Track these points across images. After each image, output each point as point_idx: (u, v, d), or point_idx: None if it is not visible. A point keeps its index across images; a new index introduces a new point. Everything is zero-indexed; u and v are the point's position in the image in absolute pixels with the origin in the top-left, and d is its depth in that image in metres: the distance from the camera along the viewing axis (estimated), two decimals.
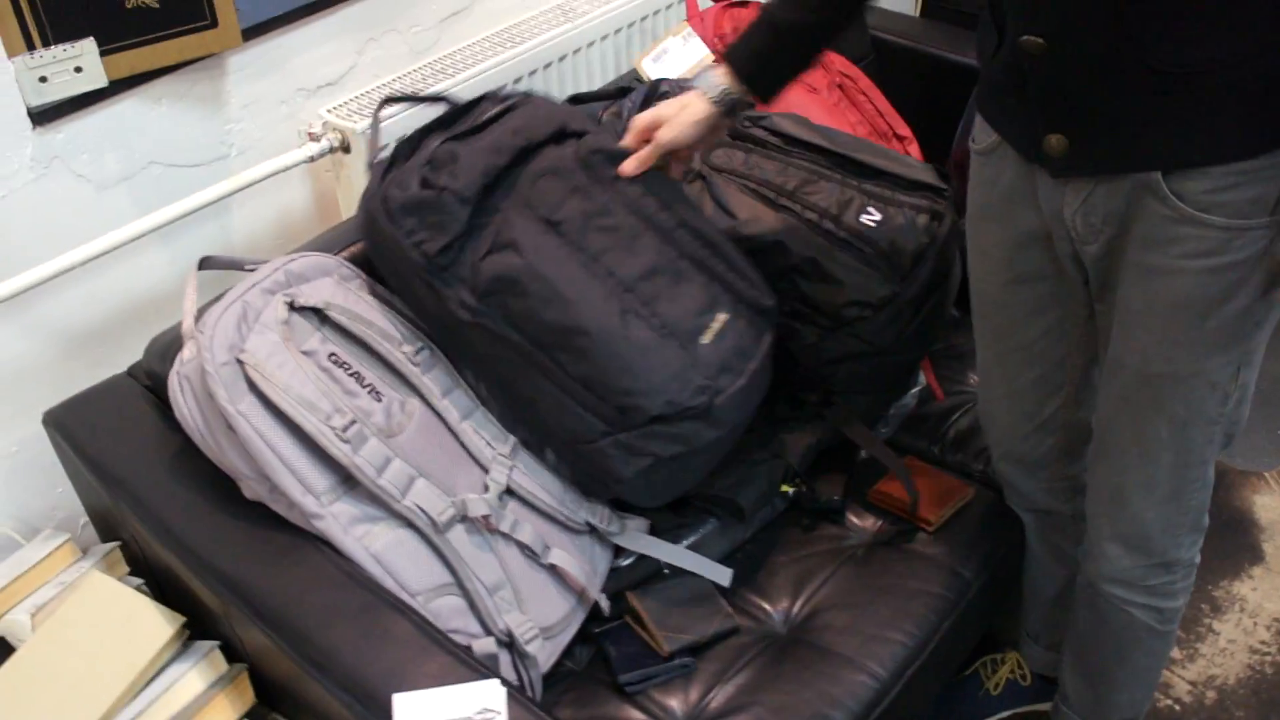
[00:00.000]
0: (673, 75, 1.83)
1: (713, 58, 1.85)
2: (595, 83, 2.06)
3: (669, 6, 2.15)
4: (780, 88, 1.41)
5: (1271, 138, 1.13)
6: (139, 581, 1.47)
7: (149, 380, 1.48)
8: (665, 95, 1.69)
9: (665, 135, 1.41)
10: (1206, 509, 1.42)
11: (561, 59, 1.99)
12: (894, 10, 2.39)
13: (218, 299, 1.38)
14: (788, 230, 1.58)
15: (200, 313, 1.39)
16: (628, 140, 1.46)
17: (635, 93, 1.72)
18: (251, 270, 1.42)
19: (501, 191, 1.42)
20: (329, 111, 1.75)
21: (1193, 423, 1.30)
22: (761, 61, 1.38)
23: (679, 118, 1.40)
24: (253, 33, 1.64)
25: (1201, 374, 1.26)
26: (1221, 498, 2.26)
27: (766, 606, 1.55)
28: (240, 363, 1.30)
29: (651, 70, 1.83)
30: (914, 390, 1.84)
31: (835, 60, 1.97)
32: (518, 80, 1.93)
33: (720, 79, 1.39)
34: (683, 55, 1.84)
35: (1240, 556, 2.16)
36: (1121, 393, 1.32)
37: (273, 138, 1.74)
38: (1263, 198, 1.15)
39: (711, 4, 1.95)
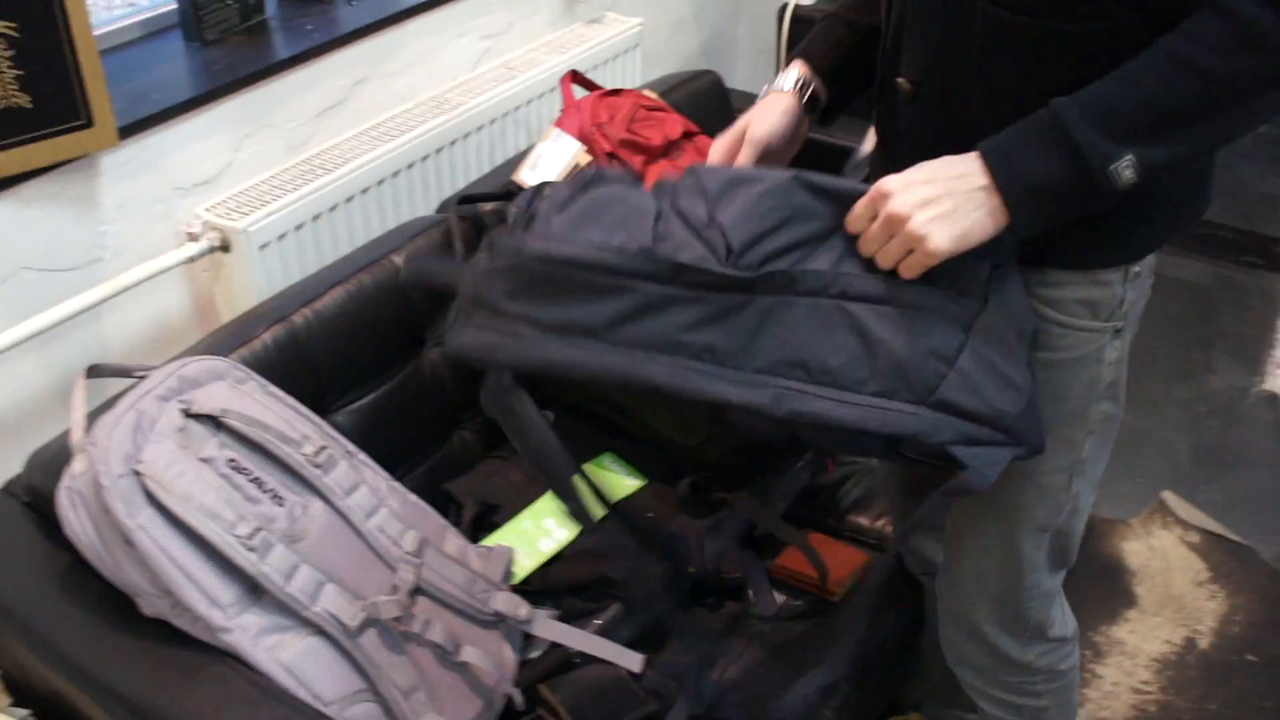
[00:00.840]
0: (551, 178, 1.84)
1: (584, 150, 1.88)
2: (473, 174, 2.07)
3: (542, 96, 2.18)
4: (848, 94, 1.37)
5: (1100, 259, 1.17)
6: (25, 712, 1.38)
7: (29, 497, 1.41)
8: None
9: (757, 130, 1.30)
10: (1052, 621, 1.42)
11: (439, 151, 1.99)
12: (750, 91, 2.46)
13: (107, 408, 1.33)
14: None
15: (88, 423, 1.34)
16: (717, 152, 1.34)
17: (522, 195, 1.73)
18: (142, 377, 1.38)
19: None
20: (207, 210, 1.72)
21: (1020, 525, 1.32)
22: (835, 57, 1.34)
23: (765, 114, 1.31)
24: (127, 131, 1.60)
25: (1031, 476, 1.27)
26: (1092, 546, 2.35)
27: (679, 688, 1.55)
28: (138, 474, 1.25)
29: (530, 178, 1.85)
30: (803, 464, 1.87)
31: None
32: (395, 174, 1.92)
33: (792, 72, 1.34)
34: (556, 157, 1.87)
35: (1115, 601, 2.25)
36: None
37: (149, 239, 1.70)
38: (1091, 302, 1.18)
39: (586, 94, 1.98)
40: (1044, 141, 1.02)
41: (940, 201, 1.04)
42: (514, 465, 1.79)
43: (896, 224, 1.05)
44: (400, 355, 1.71)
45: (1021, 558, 1.34)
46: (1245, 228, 3.32)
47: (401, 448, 1.72)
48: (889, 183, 1.06)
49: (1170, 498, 2.44)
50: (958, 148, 1.08)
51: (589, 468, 1.72)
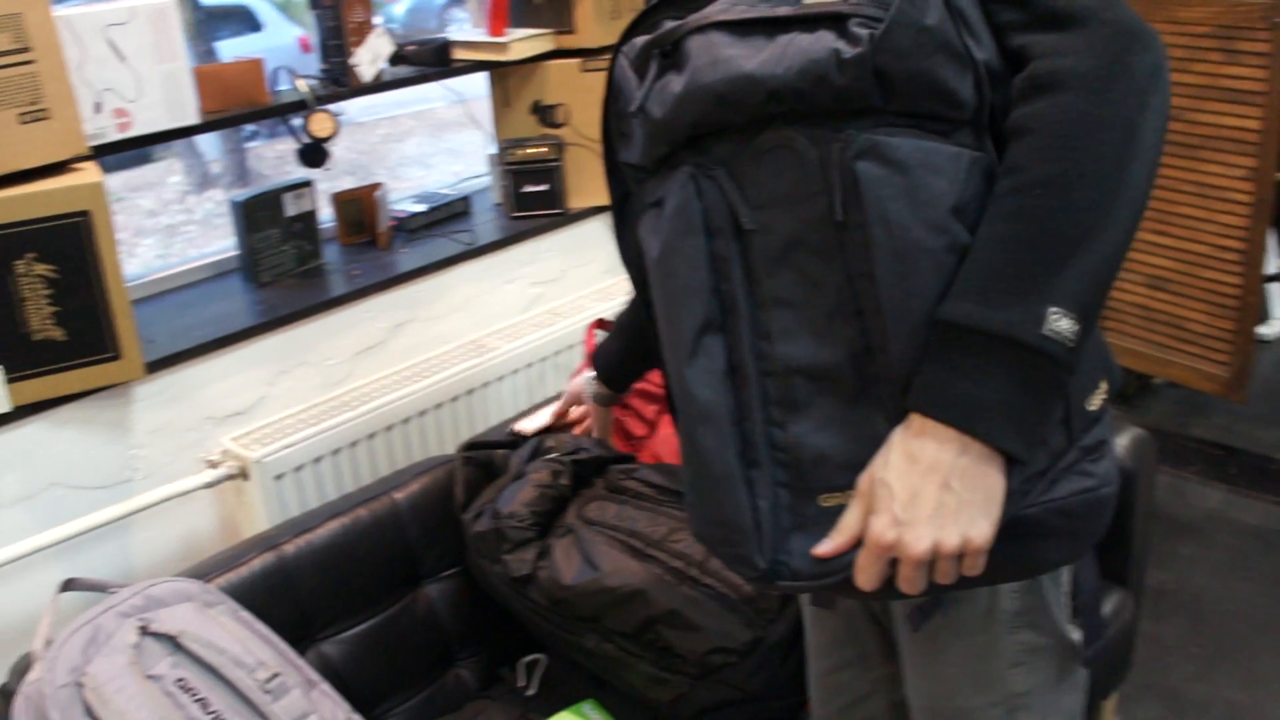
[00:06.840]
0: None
1: None
2: (507, 414, 2.15)
3: (577, 345, 2.27)
4: (627, 379, 1.65)
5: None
6: None
7: (3, 701, 1.49)
8: (549, 450, 1.77)
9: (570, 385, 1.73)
10: None
11: (470, 392, 2.09)
12: None
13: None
14: (651, 580, 1.60)
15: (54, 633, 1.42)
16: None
17: (525, 445, 1.81)
18: (114, 593, 1.46)
19: None
20: (232, 440, 1.83)
21: None
22: (606, 356, 1.64)
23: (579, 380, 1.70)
24: (160, 364, 1.74)
25: (962, 712, 1.20)
26: None
27: None
28: (80, 685, 1.32)
29: (529, 428, 1.92)
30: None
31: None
32: (423, 413, 2.01)
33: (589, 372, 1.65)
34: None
35: None
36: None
37: (179, 463, 1.82)
38: None
39: None
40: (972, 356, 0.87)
41: (944, 500, 0.89)
42: (500, 708, 1.79)
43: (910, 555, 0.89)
44: (393, 590, 1.76)
45: None
46: None
47: (389, 682, 1.74)
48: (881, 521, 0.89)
49: None
50: None
51: (569, 713, 1.71)
